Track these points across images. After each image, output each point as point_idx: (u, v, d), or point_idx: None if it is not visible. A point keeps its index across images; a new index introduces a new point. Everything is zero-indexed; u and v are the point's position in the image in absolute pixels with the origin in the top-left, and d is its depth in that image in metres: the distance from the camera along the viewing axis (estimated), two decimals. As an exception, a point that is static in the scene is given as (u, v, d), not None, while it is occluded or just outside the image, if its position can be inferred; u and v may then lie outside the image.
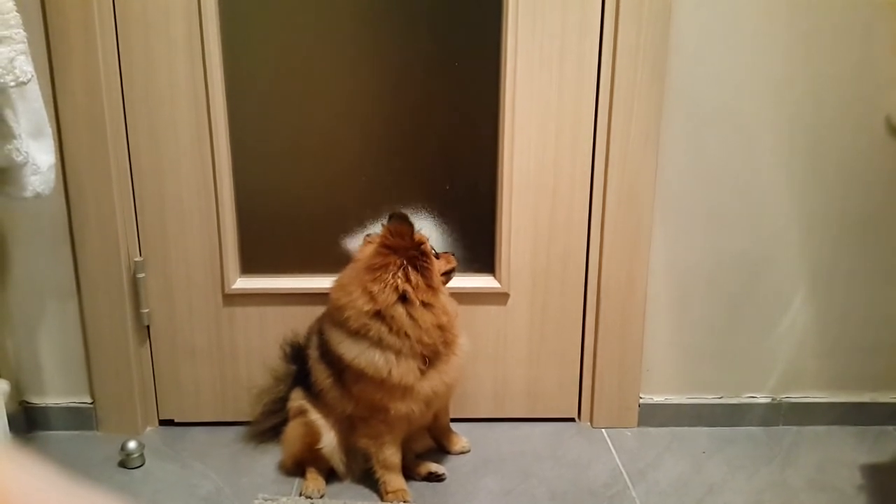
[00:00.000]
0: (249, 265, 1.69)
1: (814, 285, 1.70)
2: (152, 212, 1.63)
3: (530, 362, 1.74)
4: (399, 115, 1.62)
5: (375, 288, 1.38)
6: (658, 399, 1.76)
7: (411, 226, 1.40)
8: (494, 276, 1.69)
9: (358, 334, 1.40)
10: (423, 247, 1.41)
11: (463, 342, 1.48)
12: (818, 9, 1.53)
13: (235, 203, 1.64)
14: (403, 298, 1.38)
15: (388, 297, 1.37)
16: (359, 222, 1.66)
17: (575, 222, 1.64)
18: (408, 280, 1.38)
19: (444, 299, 1.43)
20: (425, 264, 1.39)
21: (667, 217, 1.64)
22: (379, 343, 1.39)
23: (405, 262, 1.38)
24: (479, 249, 1.69)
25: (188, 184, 1.61)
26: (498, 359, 1.74)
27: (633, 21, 1.50)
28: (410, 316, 1.38)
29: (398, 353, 1.39)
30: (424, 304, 1.38)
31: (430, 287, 1.39)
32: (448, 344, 1.43)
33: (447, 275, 1.49)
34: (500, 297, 1.69)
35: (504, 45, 1.54)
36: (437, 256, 1.47)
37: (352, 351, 1.41)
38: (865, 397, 1.78)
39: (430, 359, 1.41)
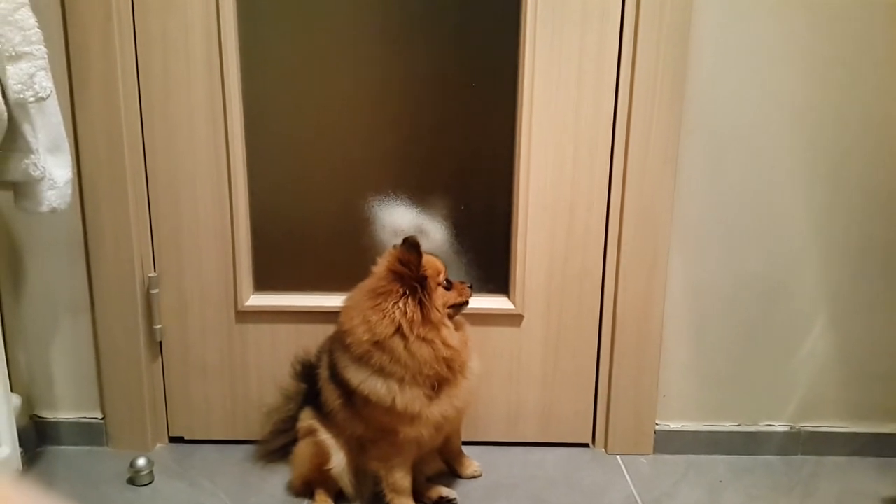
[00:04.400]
0: (263, 282, 1.69)
1: (834, 311, 1.66)
2: (167, 228, 1.63)
3: (544, 385, 1.71)
4: (415, 134, 1.62)
5: (374, 318, 1.36)
6: (674, 426, 1.73)
7: (419, 255, 1.37)
8: (509, 297, 1.68)
9: (361, 361, 1.38)
10: (427, 280, 1.37)
11: (474, 365, 1.46)
12: (839, 32, 1.51)
13: (250, 220, 1.64)
14: (401, 331, 1.36)
15: (385, 329, 1.35)
16: (373, 241, 1.65)
17: (591, 243, 1.62)
18: (405, 313, 1.35)
19: (447, 333, 1.39)
20: (425, 298, 1.36)
21: (684, 239, 1.61)
22: (381, 371, 1.36)
23: (405, 293, 1.36)
24: (494, 270, 1.67)
25: (204, 200, 1.61)
26: (512, 381, 1.71)
27: (651, 43, 1.50)
28: (407, 349, 1.35)
29: (401, 381, 1.36)
30: (422, 339, 1.35)
31: (428, 322, 1.36)
32: (456, 370, 1.41)
33: (458, 307, 1.45)
34: (514, 319, 1.67)
35: (522, 65, 1.53)
36: (450, 287, 1.43)
37: (357, 377, 1.39)
38: (887, 428, 1.73)
39: (438, 384, 1.39)
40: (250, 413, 1.72)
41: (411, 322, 1.35)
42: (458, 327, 1.43)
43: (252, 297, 1.68)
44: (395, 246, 1.42)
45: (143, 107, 1.56)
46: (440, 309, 1.38)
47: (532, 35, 1.51)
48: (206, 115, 1.56)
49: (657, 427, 1.72)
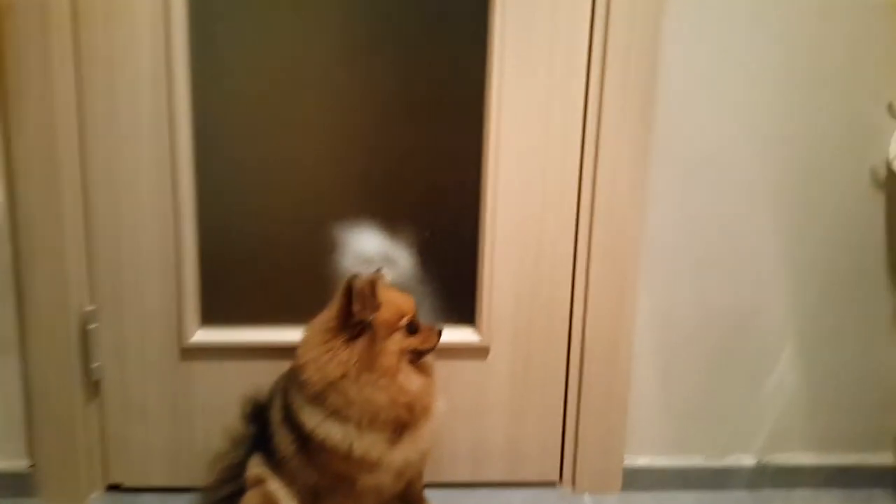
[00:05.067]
0: (210, 315, 1.57)
1: (802, 342, 1.65)
2: (107, 257, 1.51)
3: (511, 421, 1.64)
4: (378, 158, 1.54)
5: (324, 357, 1.26)
6: (642, 461, 1.67)
7: (373, 295, 1.26)
8: (475, 328, 1.61)
9: (316, 401, 1.28)
10: (376, 324, 1.26)
11: (439, 406, 1.37)
12: (809, 61, 1.51)
13: (199, 248, 1.53)
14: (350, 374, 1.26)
15: (334, 370, 1.25)
16: (333, 269, 1.56)
17: (559, 274, 1.57)
18: (352, 357, 1.25)
19: (404, 379, 1.29)
20: (376, 344, 1.26)
21: (653, 269, 1.58)
22: (337, 414, 1.26)
23: (354, 336, 1.26)
24: (460, 300, 1.60)
25: (148, 228, 1.50)
26: (477, 417, 1.64)
27: (618, 71, 1.46)
28: (360, 394, 1.25)
29: (359, 425, 1.26)
30: (374, 384, 1.26)
31: (377, 369, 1.25)
32: (418, 414, 1.31)
33: (420, 353, 1.33)
34: (480, 352, 1.60)
35: (490, 91, 1.48)
36: (416, 331, 1.32)
37: (311, 419, 1.29)
38: (853, 459, 1.72)
39: (400, 427, 1.30)
40: (195, 458, 1.59)
41: (358, 367, 1.25)
42: (423, 370, 1.34)
43: (199, 332, 1.56)
44: (352, 277, 1.29)
45: (82, 129, 1.45)
46: (394, 355, 1.28)
47: (500, 64, 1.47)
48: (152, 135, 1.45)
49: (625, 463, 1.66)
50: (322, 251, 1.56)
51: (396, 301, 1.31)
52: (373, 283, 1.28)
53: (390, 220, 1.56)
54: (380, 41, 1.49)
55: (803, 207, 1.58)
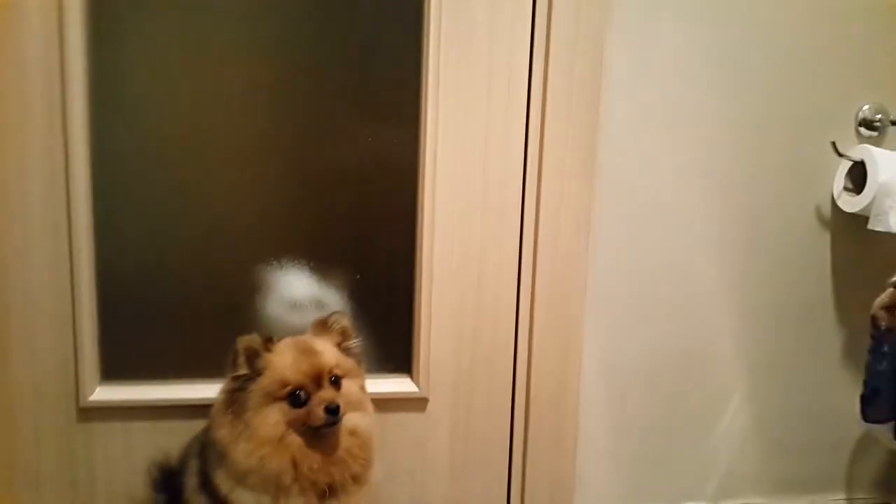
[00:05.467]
0: (112, 370, 1.39)
1: (752, 382, 1.59)
2: (-10, 311, 1.32)
3: (453, 478, 1.51)
4: (302, 193, 1.41)
5: (217, 419, 1.14)
6: (593, 514, 1.58)
7: (253, 359, 1.13)
8: (412, 377, 1.48)
9: (224, 465, 1.14)
10: (253, 390, 1.13)
11: (374, 472, 1.23)
12: (754, 100, 1.47)
13: (97, 297, 1.35)
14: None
15: (223, 435, 1.13)
16: (253, 316, 1.41)
17: (502, 319, 1.46)
18: (231, 422, 1.13)
19: (297, 451, 1.13)
20: (254, 413, 1.12)
21: (599, 312, 1.49)
22: (243, 482, 1.12)
23: (236, 401, 1.13)
24: (395, 347, 1.47)
25: (37, 273, 1.31)
26: (416, 475, 1.50)
27: (560, 105, 1.38)
28: (248, 461, 1.11)
29: (269, 492, 1.12)
30: (257, 453, 1.12)
31: (257, 437, 1.11)
32: (344, 481, 1.16)
33: (316, 427, 1.15)
34: (418, 403, 1.47)
35: (424, 121, 1.37)
36: (302, 403, 1.13)
37: (225, 484, 1.14)
38: (804, 501, 1.66)
39: (329, 492, 1.15)
40: (96, 531, 1.41)
41: (239, 434, 1.12)
42: (328, 440, 1.16)
43: (98, 389, 1.37)
44: (241, 337, 1.15)
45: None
46: (273, 427, 1.12)
47: (434, 92, 1.36)
48: (42, 171, 1.28)
49: (574, 517, 1.56)
50: (241, 296, 1.41)
51: (283, 367, 1.14)
52: (254, 346, 1.14)
53: (316, 261, 1.43)
54: (306, 61, 1.37)
55: (750, 246, 1.53)
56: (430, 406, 1.48)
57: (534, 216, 1.42)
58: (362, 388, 1.24)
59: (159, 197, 1.37)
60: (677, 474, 1.60)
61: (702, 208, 1.50)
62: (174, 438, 1.34)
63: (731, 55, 1.45)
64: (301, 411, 1.13)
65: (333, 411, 1.12)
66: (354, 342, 1.25)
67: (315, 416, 1.13)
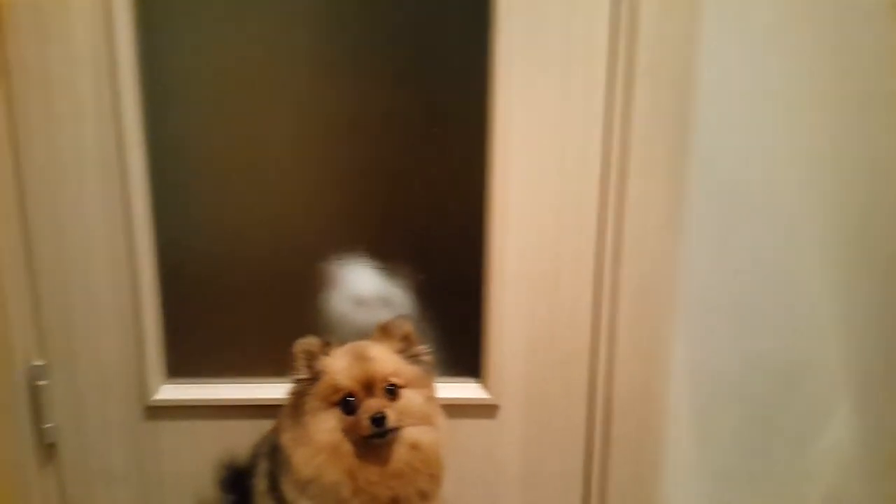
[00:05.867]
0: (178, 369, 1.37)
1: (860, 396, 1.41)
2: (55, 306, 1.30)
3: (525, 489, 1.43)
4: (367, 188, 1.33)
5: (281, 422, 1.13)
6: (677, 531, 1.46)
7: (311, 362, 1.11)
8: (481, 383, 1.39)
9: (289, 473, 1.11)
10: (310, 394, 1.10)
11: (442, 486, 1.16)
12: (870, 69, 1.27)
13: (161, 294, 1.33)
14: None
15: (284, 440, 1.11)
16: (319, 314, 1.36)
17: (579, 321, 1.35)
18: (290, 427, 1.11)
19: (351, 462, 1.08)
20: (311, 419, 1.09)
21: (690, 314, 1.35)
22: (304, 492, 1.09)
23: (297, 405, 1.11)
24: (463, 350, 1.39)
25: (99, 270, 1.29)
26: (485, 486, 1.42)
27: (646, 87, 1.24)
28: (305, 470, 1.08)
29: None
30: (312, 462, 1.08)
31: (311, 443, 1.08)
32: (414, 493, 1.11)
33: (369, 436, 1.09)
34: (488, 410, 1.39)
35: (493, 107, 1.26)
36: (353, 411, 1.08)
37: (290, 492, 1.11)
38: (918, 524, 1.50)
39: None
40: (167, 527, 1.40)
41: (297, 441, 1.09)
42: (411, 445, 1.11)
43: (163, 387, 1.36)
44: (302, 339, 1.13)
45: (19, 158, 1.24)
46: (327, 433, 1.08)
47: (507, 75, 1.24)
48: (98, 163, 1.25)
49: (657, 533, 1.45)
50: (306, 292, 1.36)
51: (336, 372, 1.10)
52: (312, 349, 1.12)
53: (385, 257, 1.35)
54: (371, 52, 1.28)
55: (861, 243, 1.35)
56: (500, 413, 1.39)
57: (616, 212, 1.29)
58: (430, 399, 1.16)
59: (222, 188, 1.32)
60: (772, 495, 1.46)
61: (807, 198, 1.33)
62: (242, 438, 1.31)
63: (833, 29, 1.26)
64: (352, 419, 1.08)
65: (378, 421, 1.06)
66: (422, 350, 1.18)
67: (362, 426, 1.07)
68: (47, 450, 1.37)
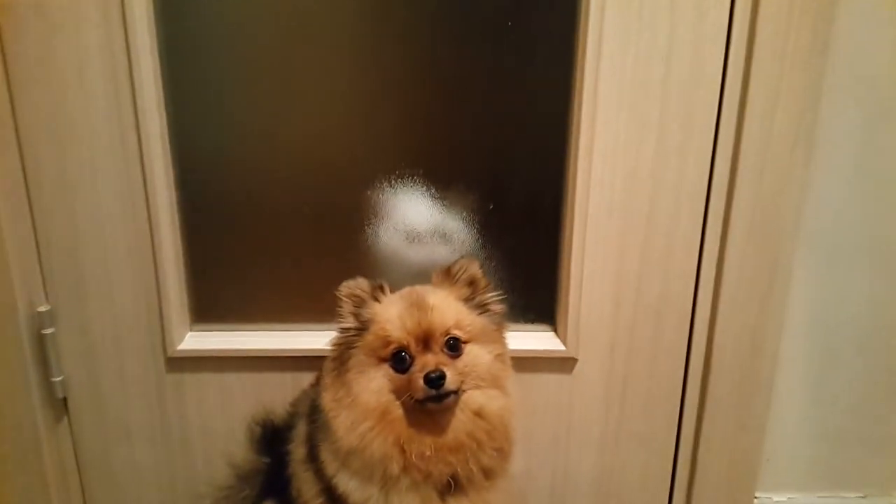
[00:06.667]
0: (203, 313, 1.19)
1: None
2: (61, 245, 1.11)
3: (603, 448, 1.24)
4: (424, 101, 1.10)
5: (324, 380, 0.93)
6: (779, 499, 1.27)
7: (359, 309, 0.92)
8: (556, 332, 1.18)
9: (329, 441, 0.93)
10: (358, 347, 0.90)
11: (505, 465, 0.96)
12: None
13: (182, 223, 1.13)
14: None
15: (325, 403, 0.92)
16: (366, 249, 1.15)
17: (678, 258, 1.12)
18: (332, 384, 0.92)
19: (400, 428, 0.89)
20: (358, 377, 0.90)
21: (814, 254, 1.13)
22: (347, 466, 0.91)
23: (342, 361, 0.91)
24: (536, 294, 1.18)
25: (109, 198, 1.09)
26: (559, 445, 1.23)
27: None
28: (347, 438, 0.89)
29: (377, 483, 0.90)
30: (357, 429, 0.89)
31: (360, 406, 0.89)
32: (478, 470, 0.92)
33: (426, 400, 0.88)
34: (564, 363, 1.18)
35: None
36: (406, 368, 0.88)
37: (331, 464, 0.93)
38: None
39: (454, 484, 0.91)
40: (194, 489, 1.24)
41: (340, 403, 0.90)
42: (475, 412, 0.91)
43: (189, 336, 1.18)
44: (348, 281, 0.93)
45: (6, 68, 1.03)
46: (374, 394, 0.89)
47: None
48: (104, 73, 1.03)
49: (757, 501, 1.26)
50: (353, 225, 1.15)
51: (387, 321, 0.90)
52: (360, 293, 0.93)
53: (443, 185, 1.13)
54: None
55: None
56: (578, 367, 1.18)
57: (734, 121, 1.05)
58: (499, 357, 0.95)
59: (252, 98, 1.10)
60: (892, 458, 1.26)
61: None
62: (278, 393, 1.16)
63: None
64: (404, 378, 0.88)
65: (434, 382, 0.85)
66: (492, 297, 0.96)
67: (415, 387, 0.87)
68: (58, 405, 1.20)
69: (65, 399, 1.20)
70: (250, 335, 1.18)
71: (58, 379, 1.18)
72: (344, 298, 0.92)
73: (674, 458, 1.25)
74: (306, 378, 1.09)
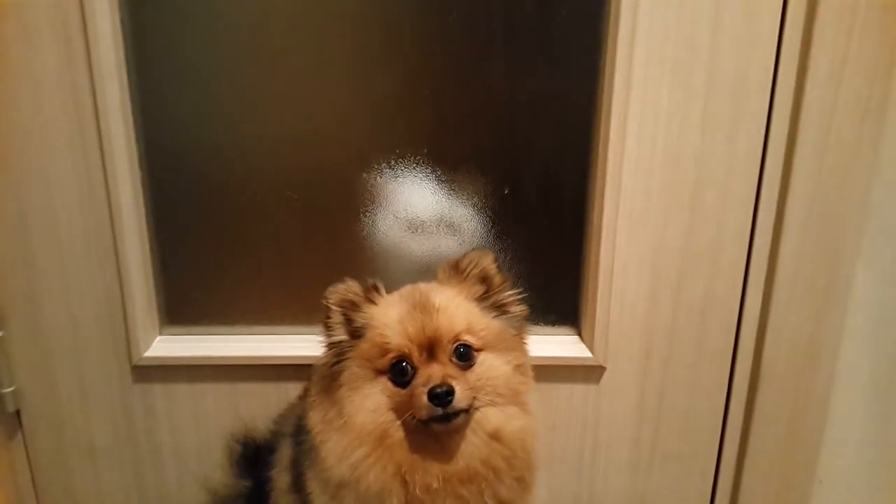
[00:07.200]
0: (174, 315, 1.06)
1: None
2: (10, 237, 0.97)
3: (635, 470, 1.10)
4: (427, 70, 0.95)
5: (312, 387, 0.82)
6: (834, 525, 1.13)
7: (352, 313, 0.78)
8: (581, 336, 1.04)
9: (316, 468, 0.81)
10: (352, 357, 0.77)
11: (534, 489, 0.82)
12: None
13: (149, 214, 0.99)
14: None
15: (311, 424, 0.79)
16: (353, 246, 1.01)
17: (726, 252, 0.98)
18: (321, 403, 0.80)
19: (398, 449, 0.76)
20: (350, 391, 0.77)
21: (881, 251, 0.98)
22: (337, 496, 0.78)
23: (333, 374, 0.78)
24: (558, 292, 1.04)
25: (65, 184, 0.95)
26: (583, 466, 1.09)
27: None
28: (339, 466, 0.76)
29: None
30: (351, 454, 0.76)
31: (352, 427, 0.76)
32: (493, 502, 0.78)
33: (430, 420, 0.75)
34: (589, 372, 1.04)
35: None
36: (407, 380, 0.75)
37: (319, 499, 0.80)
38: None
39: None
40: (169, 512, 1.11)
41: (330, 424, 0.77)
42: (491, 434, 0.77)
43: (157, 341, 1.04)
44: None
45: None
46: (370, 413, 0.76)
47: None
48: (56, 39, 0.89)
49: (807, 529, 1.12)
50: (344, 214, 1.01)
51: (385, 326, 0.76)
52: (352, 297, 0.79)
53: (449, 166, 0.99)
54: None
55: None
56: (607, 376, 1.04)
57: (791, 93, 0.90)
58: (519, 368, 0.81)
59: (228, 67, 0.96)
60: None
61: None
62: (258, 405, 1.04)
63: None
64: (405, 394, 0.75)
65: (441, 398, 0.72)
66: (510, 296, 0.82)
67: (418, 403, 0.73)
68: (10, 420, 1.07)
69: (18, 413, 1.07)
70: (227, 339, 1.06)
71: (8, 390, 1.05)
72: (333, 305, 0.78)
73: (713, 481, 1.11)
74: (292, 389, 0.98)
